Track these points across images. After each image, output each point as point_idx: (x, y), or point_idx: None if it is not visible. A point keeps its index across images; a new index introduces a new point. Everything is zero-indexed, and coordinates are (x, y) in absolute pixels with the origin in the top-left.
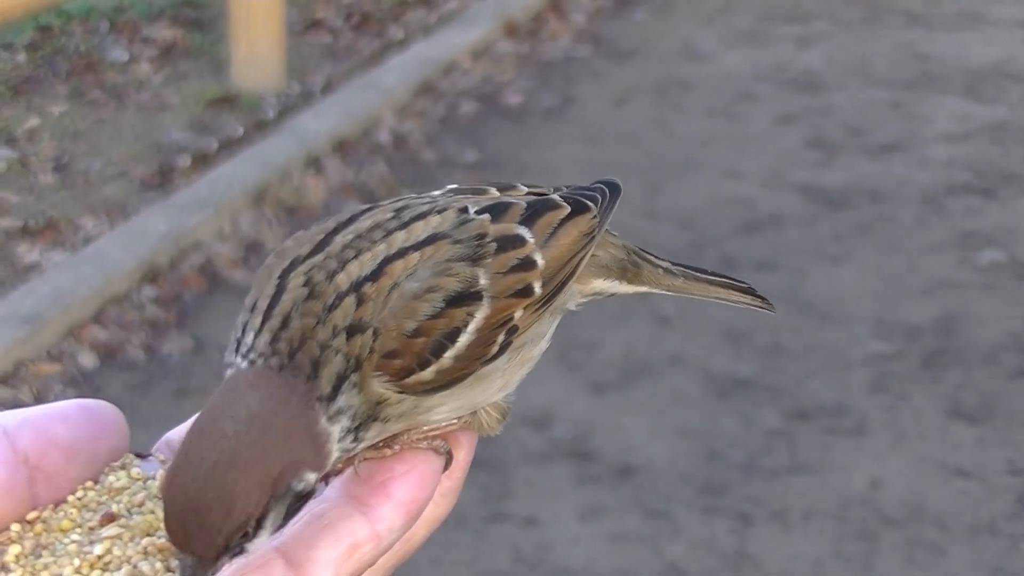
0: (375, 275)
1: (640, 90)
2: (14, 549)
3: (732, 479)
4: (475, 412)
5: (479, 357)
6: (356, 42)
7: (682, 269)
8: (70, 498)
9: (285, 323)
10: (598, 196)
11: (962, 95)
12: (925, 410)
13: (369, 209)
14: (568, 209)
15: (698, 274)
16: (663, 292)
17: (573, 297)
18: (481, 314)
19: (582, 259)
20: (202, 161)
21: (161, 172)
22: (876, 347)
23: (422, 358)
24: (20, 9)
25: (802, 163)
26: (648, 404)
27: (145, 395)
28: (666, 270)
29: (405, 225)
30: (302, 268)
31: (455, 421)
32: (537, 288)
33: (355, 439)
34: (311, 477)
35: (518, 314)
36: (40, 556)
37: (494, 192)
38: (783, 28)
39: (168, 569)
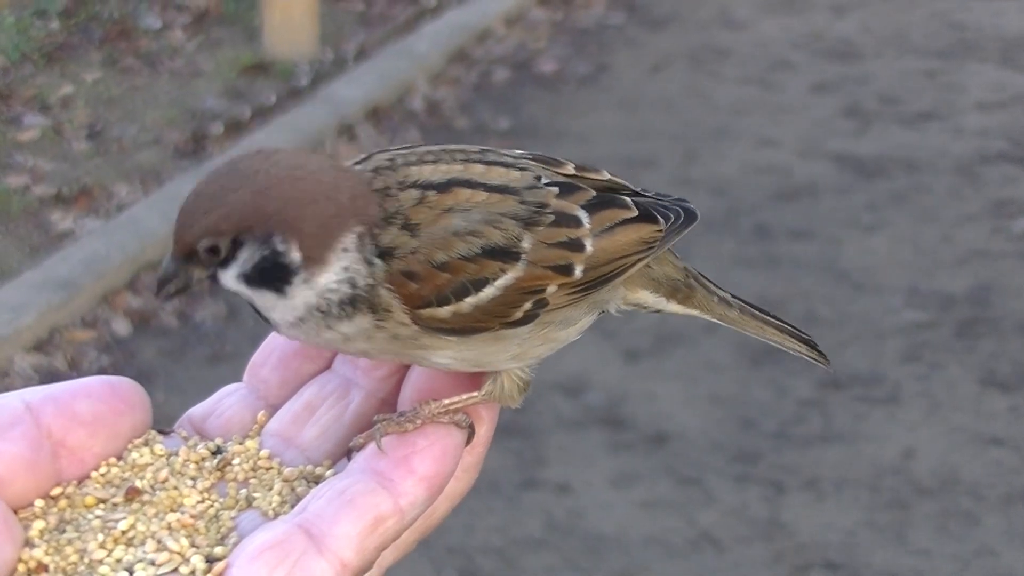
0: (442, 187)
1: (675, 58)
2: (38, 524)
3: (765, 447)
4: (497, 380)
5: (500, 316)
6: (390, 9)
7: (741, 303)
8: (94, 474)
9: (372, 168)
10: (671, 215)
11: (997, 64)
12: (959, 379)
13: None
14: (635, 212)
15: (756, 312)
16: (714, 320)
17: (616, 299)
18: (513, 274)
19: (635, 263)
20: (235, 128)
21: (195, 139)
22: (910, 316)
23: (442, 295)
24: None
25: (837, 132)
26: (681, 372)
27: (179, 361)
28: (722, 300)
29: (487, 163)
30: (389, 152)
31: (476, 394)
32: (578, 271)
33: (339, 308)
34: (295, 254)
35: (551, 289)
36: (64, 531)
37: (570, 168)
38: None
39: (193, 544)
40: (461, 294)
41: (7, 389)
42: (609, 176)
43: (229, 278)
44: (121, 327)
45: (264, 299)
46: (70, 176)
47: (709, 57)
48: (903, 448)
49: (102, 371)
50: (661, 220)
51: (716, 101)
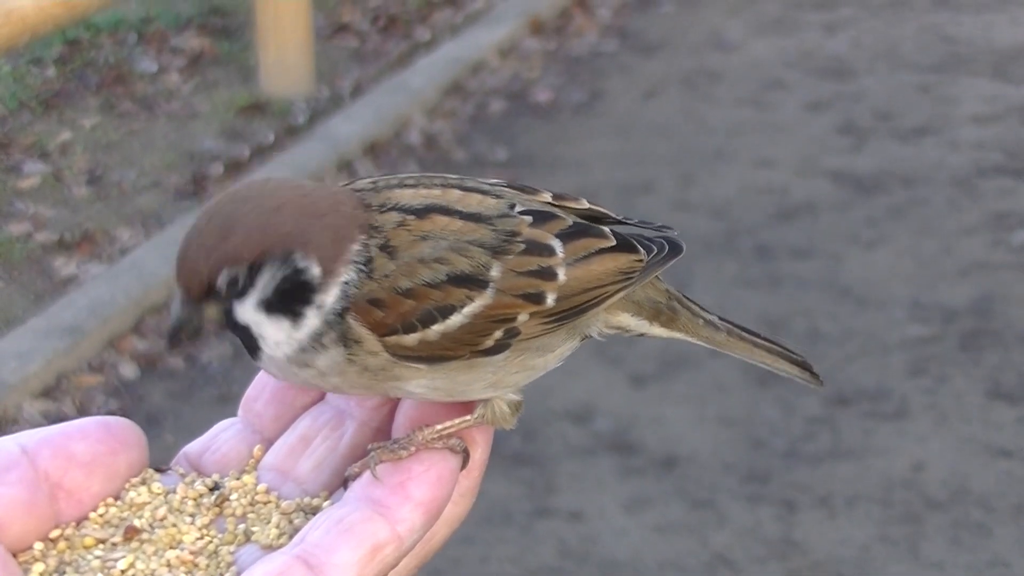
0: (420, 213)
1: (669, 82)
2: (38, 567)
3: (775, 466)
4: (488, 403)
5: (470, 344)
6: (383, 44)
7: (729, 326)
8: (92, 514)
9: (356, 188)
10: (654, 247)
11: (990, 76)
12: (965, 392)
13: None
14: (612, 242)
15: (745, 334)
16: (700, 343)
17: (597, 325)
18: (481, 301)
19: (614, 293)
20: (235, 168)
21: (194, 180)
22: (914, 330)
23: (408, 322)
24: (49, 23)
25: (833, 149)
26: (689, 394)
27: (187, 402)
28: (708, 322)
29: (465, 190)
30: (370, 178)
31: (468, 418)
32: (550, 299)
33: (331, 323)
34: (315, 270)
35: (522, 317)
36: (64, 573)
37: (546, 195)
38: (809, 15)
39: None
40: (427, 321)
41: None
42: (588, 204)
43: (247, 309)
44: (128, 371)
45: (279, 328)
46: (71, 222)
47: (702, 80)
48: (913, 462)
49: (110, 415)
50: (642, 251)
51: (711, 124)
